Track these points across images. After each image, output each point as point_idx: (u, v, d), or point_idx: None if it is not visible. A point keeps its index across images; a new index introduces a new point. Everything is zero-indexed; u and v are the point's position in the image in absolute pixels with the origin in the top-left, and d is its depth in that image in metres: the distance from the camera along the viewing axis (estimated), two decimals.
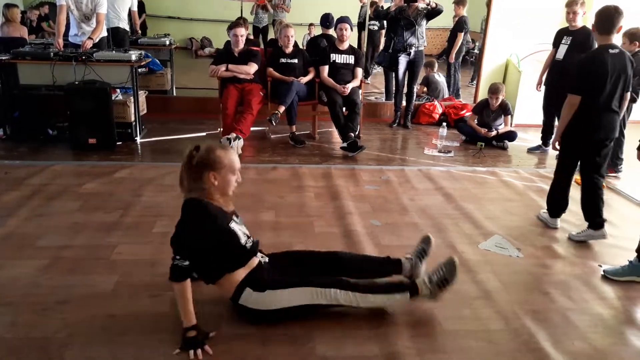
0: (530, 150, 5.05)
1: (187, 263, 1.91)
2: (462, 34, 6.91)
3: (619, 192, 3.95)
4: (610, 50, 2.88)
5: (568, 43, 4.51)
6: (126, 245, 2.73)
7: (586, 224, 3.09)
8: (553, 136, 3.35)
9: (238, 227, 2.09)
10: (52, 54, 4.46)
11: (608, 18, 2.87)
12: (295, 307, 2.03)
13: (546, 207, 3.32)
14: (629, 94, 3.06)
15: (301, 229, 3.05)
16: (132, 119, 4.68)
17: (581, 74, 2.95)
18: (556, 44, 4.68)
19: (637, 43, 3.89)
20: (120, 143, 4.58)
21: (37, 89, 4.69)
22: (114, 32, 5.67)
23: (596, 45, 3.14)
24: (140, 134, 4.85)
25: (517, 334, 2.13)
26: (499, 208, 3.55)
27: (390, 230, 3.09)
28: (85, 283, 2.35)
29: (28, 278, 2.37)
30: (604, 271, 2.66)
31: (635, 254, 2.62)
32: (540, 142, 5.07)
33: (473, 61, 9.84)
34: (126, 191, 3.51)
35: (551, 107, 4.77)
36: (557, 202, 3.22)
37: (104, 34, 5.09)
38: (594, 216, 3.06)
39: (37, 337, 1.97)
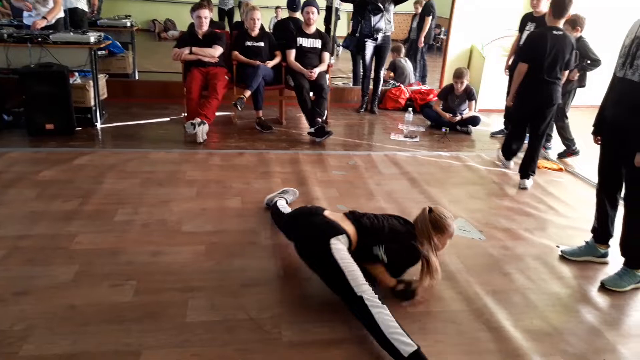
0: (493, 135, 5.15)
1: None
2: (430, 18, 6.94)
3: (575, 174, 4.09)
4: (554, 32, 3.48)
5: (532, 29, 4.57)
6: (86, 235, 2.66)
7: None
8: (508, 96, 3.98)
9: None
10: (5, 35, 4.25)
11: (561, 4, 3.41)
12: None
13: (501, 153, 4.19)
14: (566, 72, 3.79)
15: (268, 215, 3.03)
16: (92, 103, 4.52)
17: (526, 44, 3.74)
18: (521, 29, 4.75)
19: (579, 28, 4.11)
20: (80, 129, 4.42)
21: None
22: (72, 12, 5.43)
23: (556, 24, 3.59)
24: (100, 119, 4.70)
25: (479, 313, 2.19)
26: (463, 192, 3.62)
27: None
28: (45, 274, 2.28)
29: None
30: (561, 252, 2.76)
31: (591, 235, 2.73)
32: (502, 127, 5.18)
33: (439, 47, 9.94)
34: (86, 178, 3.40)
35: None
36: (509, 148, 4.09)
37: (61, 14, 4.88)
38: (528, 169, 3.77)
39: None
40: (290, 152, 4.27)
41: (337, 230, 2.20)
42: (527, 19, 4.72)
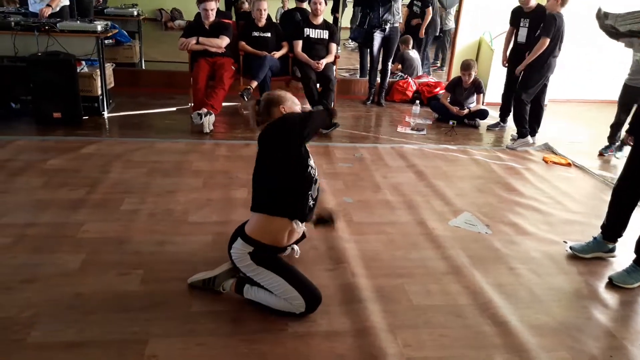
0: (490, 128, 5.12)
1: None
2: (431, 9, 6.82)
3: (584, 169, 4.06)
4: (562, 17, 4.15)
5: (527, 25, 4.61)
6: (93, 223, 2.67)
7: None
8: (521, 65, 4.39)
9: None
10: (12, 23, 4.24)
11: None
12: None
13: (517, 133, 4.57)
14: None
15: None
16: (99, 92, 4.52)
17: (555, 24, 4.13)
18: (513, 22, 4.78)
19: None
20: (87, 117, 4.43)
21: None
22: (79, 1, 5.41)
23: (559, 10, 4.13)
24: (107, 108, 4.70)
25: (484, 308, 2.19)
26: (469, 185, 3.60)
27: (363, 208, 3.10)
28: (51, 262, 2.29)
29: None
30: (570, 248, 2.75)
31: (600, 230, 2.70)
32: (498, 119, 5.16)
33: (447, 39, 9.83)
34: (93, 167, 3.41)
35: (512, 88, 4.78)
36: (530, 125, 4.54)
37: (66, 2, 4.87)
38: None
39: (1, 318, 1.92)
40: None
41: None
42: (519, 14, 4.71)
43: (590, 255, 2.69)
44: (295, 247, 2.29)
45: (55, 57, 4.18)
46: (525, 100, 4.41)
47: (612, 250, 2.68)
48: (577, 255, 2.69)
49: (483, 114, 5.14)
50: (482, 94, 5.19)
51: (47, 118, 4.21)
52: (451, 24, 7.37)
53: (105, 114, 4.62)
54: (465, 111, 5.09)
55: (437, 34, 7.30)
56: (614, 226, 2.64)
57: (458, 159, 4.16)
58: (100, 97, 4.55)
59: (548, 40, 4.13)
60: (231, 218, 2.83)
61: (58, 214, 2.75)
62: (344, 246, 2.60)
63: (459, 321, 2.10)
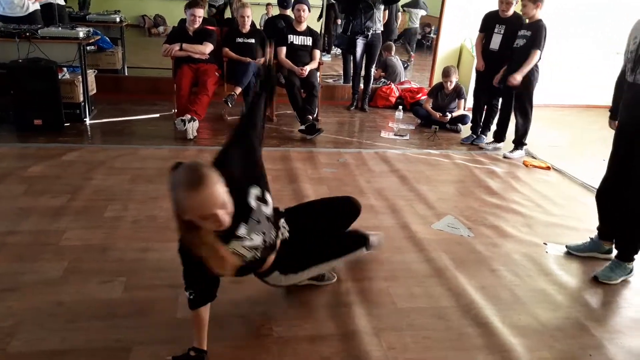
0: (464, 142, 4.86)
1: (192, 296, 1.73)
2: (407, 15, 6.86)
3: (562, 173, 4.14)
4: None
5: (502, 32, 4.44)
6: (75, 231, 2.64)
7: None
8: (517, 74, 4.22)
9: (240, 244, 1.72)
10: None
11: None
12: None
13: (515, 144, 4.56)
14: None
15: None
16: (81, 99, 4.48)
17: (544, 34, 4.16)
18: (485, 28, 4.61)
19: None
20: (69, 124, 4.39)
21: None
22: (45, 8, 5.05)
23: (537, 16, 4.17)
24: (89, 115, 4.66)
25: (467, 309, 2.22)
26: (452, 189, 3.65)
27: None
28: (33, 270, 2.27)
29: None
30: (566, 246, 2.80)
31: (597, 232, 2.76)
32: (470, 132, 4.93)
33: (429, 45, 9.98)
34: (75, 174, 3.37)
35: (481, 96, 4.77)
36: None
37: (36, 7, 4.79)
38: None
39: None
40: (281, 149, 4.27)
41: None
42: (493, 20, 4.53)
43: (587, 254, 2.75)
44: None
45: (37, 64, 4.14)
46: (530, 113, 4.40)
47: (609, 252, 2.73)
48: (563, 256, 2.75)
49: (464, 120, 5.22)
50: (463, 100, 5.27)
51: (28, 125, 4.16)
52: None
53: (88, 121, 4.58)
54: (448, 117, 5.16)
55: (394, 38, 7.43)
56: (605, 226, 2.71)
57: (440, 163, 4.21)
58: (82, 103, 4.51)
59: (539, 52, 4.17)
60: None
61: (39, 221, 2.72)
62: None
63: (442, 323, 2.12)
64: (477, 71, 4.77)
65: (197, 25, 4.67)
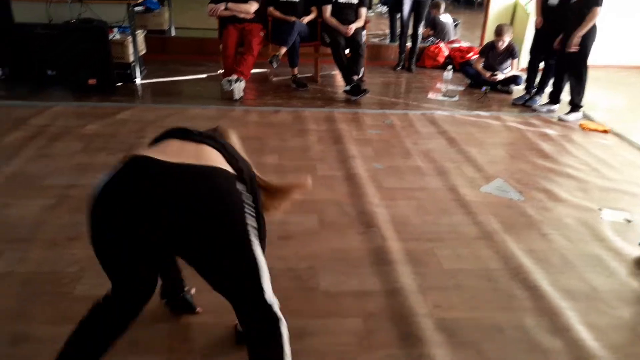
0: (515, 103, 4.67)
1: None
2: None
3: (622, 137, 3.93)
4: None
5: None
6: None
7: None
8: (576, 37, 4.00)
9: None
10: None
11: None
12: None
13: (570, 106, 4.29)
14: None
15: (304, 171, 3.06)
16: (131, 59, 4.58)
17: None
18: None
19: None
20: (120, 84, 4.51)
21: (33, 28, 4.55)
22: None
23: None
24: (140, 75, 4.76)
25: (515, 272, 2.19)
26: (502, 152, 3.55)
27: (393, 174, 3.10)
28: None
29: (36, 216, 2.41)
30: None
31: None
32: (524, 93, 4.75)
33: (480, 2, 9.52)
34: (129, 133, 3.49)
35: (538, 55, 4.58)
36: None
37: None
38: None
39: (48, 271, 2.03)
40: (326, 110, 4.25)
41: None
42: None
43: None
44: None
45: (89, 25, 4.24)
46: (585, 74, 4.17)
47: None
48: (620, 222, 2.64)
49: (517, 80, 4.99)
50: (516, 59, 5.03)
51: (83, 85, 4.30)
52: None
53: (138, 81, 4.69)
54: (499, 77, 4.95)
55: None
56: None
57: (490, 125, 4.08)
58: (133, 64, 4.61)
59: (599, 9, 3.89)
60: None
61: (97, 176, 2.81)
62: (374, 211, 2.62)
63: (489, 284, 2.11)
64: (536, 28, 4.53)
65: None
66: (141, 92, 4.49)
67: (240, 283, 1.29)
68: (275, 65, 4.49)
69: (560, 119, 4.25)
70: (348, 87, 4.55)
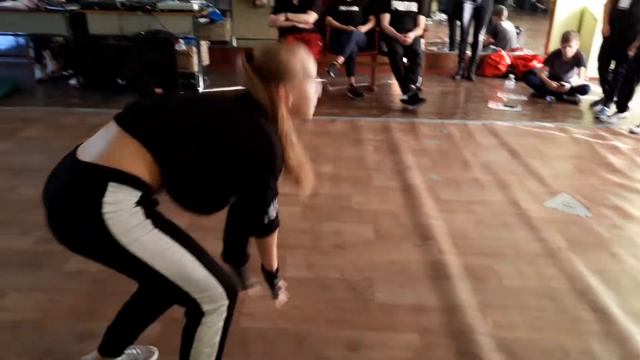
0: (583, 114, 4.56)
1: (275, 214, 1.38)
2: None
3: None
4: None
5: None
6: None
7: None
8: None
9: None
10: (118, 3, 4.57)
11: None
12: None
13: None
14: None
15: (360, 181, 3.06)
16: (195, 69, 4.77)
17: None
18: None
19: None
20: (184, 93, 4.70)
21: (105, 39, 4.85)
22: None
23: None
24: (203, 84, 4.95)
25: (582, 293, 2.08)
26: (568, 166, 3.40)
27: (451, 185, 3.04)
28: None
29: None
30: None
31: None
32: (593, 103, 4.63)
33: (545, 9, 9.17)
34: None
35: (608, 60, 4.40)
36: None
37: None
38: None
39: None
40: (382, 119, 4.23)
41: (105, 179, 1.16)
42: None
43: None
44: None
45: (157, 36, 4.46)
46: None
47: None
48: None
49: (584, 90, 4.77)
50: (583, 68, 4.81)
51: (150, 93, 4.52)
52: None
53: (201, 90, 4.87)
54: (567, 87, 4.74)
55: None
56: None
57: (556, 137, 3.92)
58: (197, 73, 4.79)
59: None
60: (319, 192, 2.89)
61: None
62: (431, 223, 2.58)
63: (553, 305, 2.02)
64: (603, 37, 4.34)
65: None
66: None
67: (137, 278, 1.36)
68: (333, 74, 4.54)
69: (631, 131, 4.02)
70: (405, 96, 4.51)
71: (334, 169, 3.24)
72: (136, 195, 1.17)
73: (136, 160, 1.18)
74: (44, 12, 4.60)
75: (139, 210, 1.18)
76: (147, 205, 1.21)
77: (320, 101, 4.08)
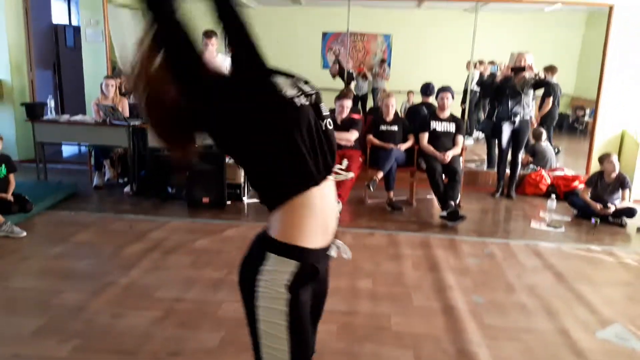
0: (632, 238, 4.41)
1: None
2: (551, 98, 6.50)
3: None
4: None
5: None
6: (231, 303, 2.86)
7: None
8: None
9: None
10: None
11: None
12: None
13: None
14: None
15: (399, 300, 3.00)
16: (241, 180, 5.02)
17: None
18: None
19: None
20: (229, 203, 4.90)
21: (162, 151, 5.22)
22: None
23: None
24: (247, 194, 5.17)
25: None
26: (619, 293, 3.23)
27: (495, 309, 2.92)
28: (194, 337, 2.50)
29: (144, 328, 2.57)
30: None
31: None
32: None
33: (583, 130, 9.31)
34: (233, 249, 3.71)
35: None
36: None
37: None
38: None
39: None
40: (420, 234, 4.23)
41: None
42: None
43: None
44: (340, 243, 1.41)
45: (209, 149, 4.76)
46: None
47: None
48: None
49: (631, 212, 4.66)
50: (628, 190, 4.75)
51: (197, 202, 4.75)
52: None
53: (245, 200, 5.07)
54: (612, 209, 4.65)
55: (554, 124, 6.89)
56: None
57: (603, 261, 3.77)
58: (242, 184, 5.04)
59: None
60: (357, 309, 2.85)
61: (202, 291, 3.01)
62: (475, 351, 2.45)
63: None
64: None
65: (344, 114, 5.04)
66: (247, 211, 4.83)
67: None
68: (372, 189, 4.66)
69: None
70: (444, 213, 4.54)
71: (371, 284, 3.20)
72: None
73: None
74: (109, 126, 5.08)
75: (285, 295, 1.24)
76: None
77: (359, 214, 4.23)
